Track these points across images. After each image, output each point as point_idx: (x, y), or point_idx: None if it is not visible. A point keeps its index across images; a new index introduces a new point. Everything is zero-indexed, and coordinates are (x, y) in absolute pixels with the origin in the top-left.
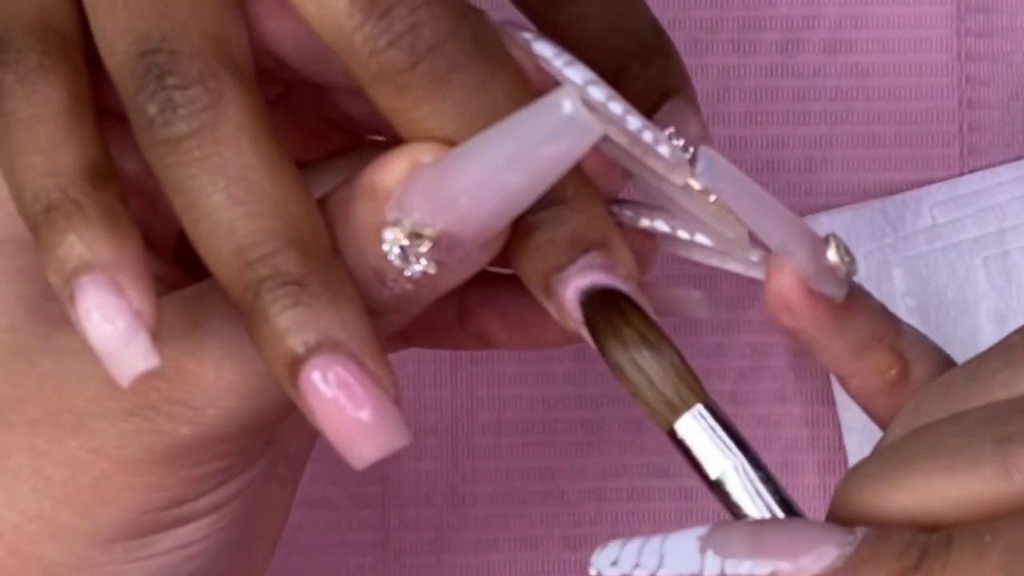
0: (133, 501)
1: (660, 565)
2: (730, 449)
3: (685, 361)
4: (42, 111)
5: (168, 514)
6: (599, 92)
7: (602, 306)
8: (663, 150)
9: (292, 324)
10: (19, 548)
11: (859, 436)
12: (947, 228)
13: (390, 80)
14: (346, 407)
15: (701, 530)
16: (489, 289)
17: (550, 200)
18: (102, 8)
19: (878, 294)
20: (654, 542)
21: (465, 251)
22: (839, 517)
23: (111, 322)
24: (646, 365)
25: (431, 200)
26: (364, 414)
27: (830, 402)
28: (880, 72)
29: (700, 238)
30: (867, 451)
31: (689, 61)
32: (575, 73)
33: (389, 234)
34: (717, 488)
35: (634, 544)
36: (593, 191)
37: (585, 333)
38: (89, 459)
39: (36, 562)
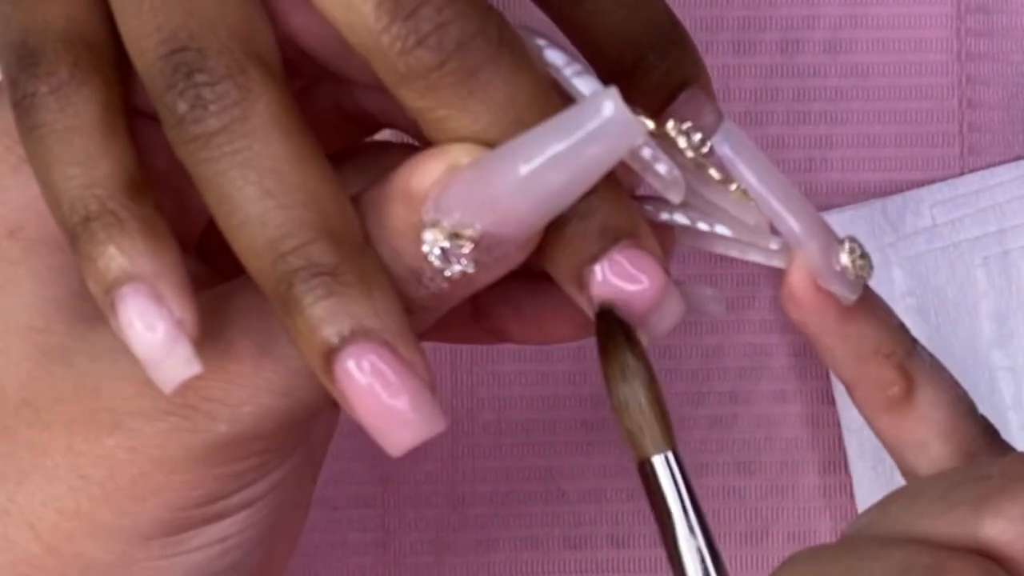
0: (170, 499)
1: None
2: (684, 509)
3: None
4: (76, 123)
5: (204, 510)
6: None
7: (611, 324)
8: (661, 168)
9: (326, 314)
10: (57, 546)
11: (859, 436)
12: (947, 228)
13: (419, 79)
14: (381, 395)
15: None
16: (504, 285)
17: None
18: (129, 10)
19: (878, 293)
20: None
21: (504, 251)
22: None
23: (153, 331)
24: (638, 395)
25: (472, 201)
26: (400, 401)
27: (830, 402)
28: (880, 72)
29: (720, 229)
30: (867, 452)
31: None
32: (584, 84)
33: (429, 235)
34: (665, 533)
35: None
36: (618, 182)
37: None
38: (126, 458)
39: (74, 559)
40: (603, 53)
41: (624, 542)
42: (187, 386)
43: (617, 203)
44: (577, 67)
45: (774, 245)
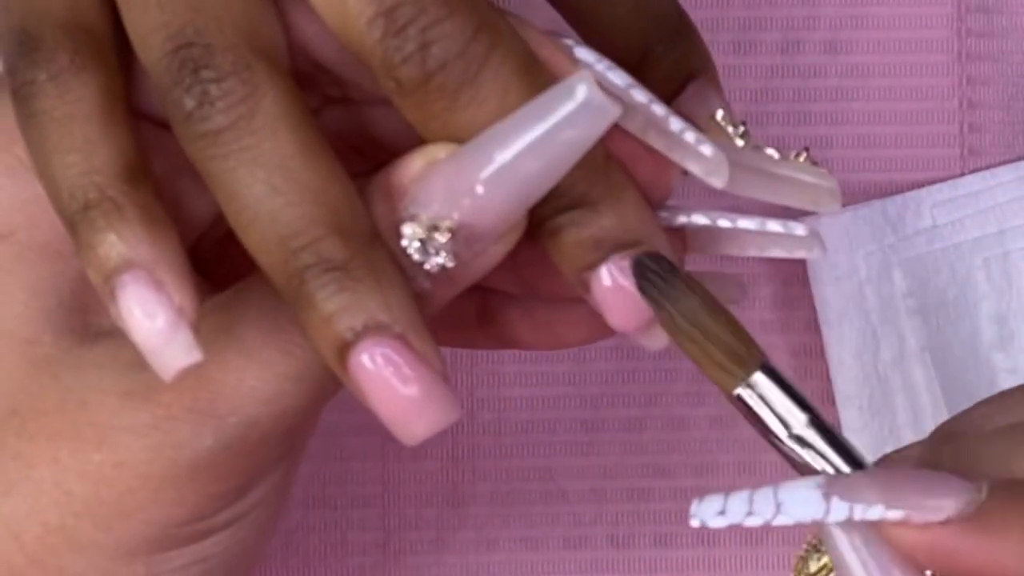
0: (156, 515)
1: (777, 512)
2: (803, 403)
3: (740, 323)
4: (76, 110)
5: (189, 528)
6: (641, 95)
7: (654, 276)
8: (706, 150)
9: (339, 309)
10: (41, 559)
11: (859, 437)
12: (947, 229)
13: (406, 94)
14: (396, 387)
15: (814, 480)
16: (516, 289)
17: (575, 202)
18: (135, 5)
19: (879, 295)
20: (766, 491)
21: (483, 244)
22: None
23: (153, 319)
24: (712, 328)
25: (448, 192)
26: (413, 392)
27: (830, 402)
28: (880, 73)
29: (743, 223)
30: (867, 452)
31: None
32: (617, 77)
33: (407, 229)
34: (794, 442)
35: (741, 495)
36: (627, 192)
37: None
38: (112, 474)
39: (56, 573)
40: (611, 45)
41: (624, 542)
42: (172, 399)
43: (617, 214)
44: (607, 63)
45: (801, 231)
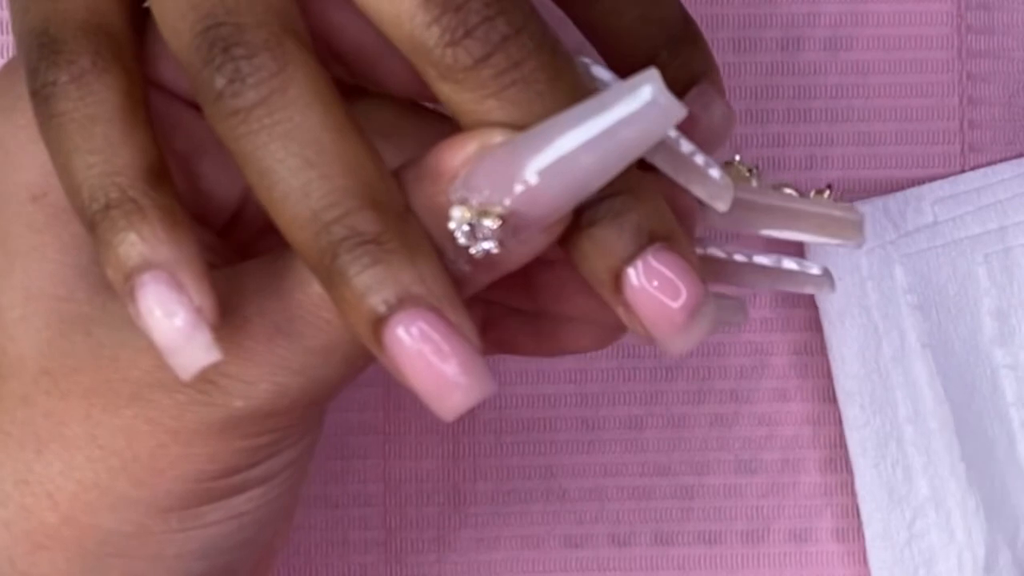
0: (188, 471)
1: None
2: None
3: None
4: (97, 112)
5: (222, 483)
6: None
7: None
8: (714, 173)
9: (373, 282)
10: (75, 516)
11: (861, 434)
12: (948, 225)
13: (463, 70)
14: (432, 360)
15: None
16: (520, 298)
17: (615, 190)
18: None
19: (880, 291)
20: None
21: (530, 233)
22: None
23: (173, 318)
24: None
25: (502, 178)
26: (450, 365)
27: (832, 399)
28: (881, 69)
29: (759, 259)
30: (869, 449)
31: None
32: None
33: (457, 212)
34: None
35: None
36: (656, 189)
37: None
38: (145, 429)
39: (91, 530)
40: (618, 50)
41: (625, 541)
42: None
43: (654, 204)
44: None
45: (816, 270)
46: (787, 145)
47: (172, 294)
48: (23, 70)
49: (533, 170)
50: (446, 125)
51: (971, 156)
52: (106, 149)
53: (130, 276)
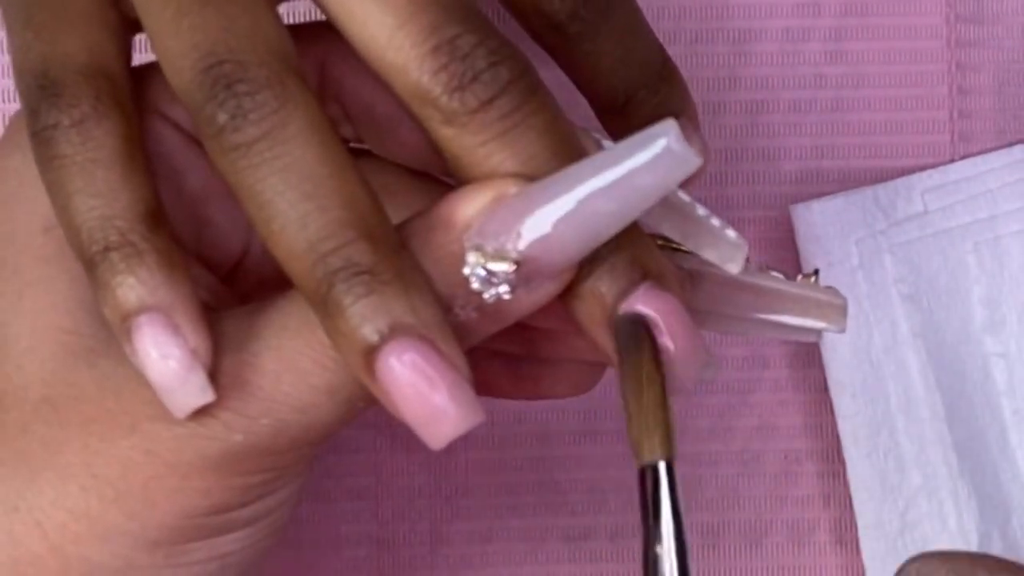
0: (181, 505)
1: None
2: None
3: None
4: (97, 156)
5: (212, 520)
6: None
7: (638, 331)
8: (731, 233)
9: (367, 312)
10: (63, 547)
11: (852, 423)
12: (939, 215)
13: (468, 114)
14: (422, 390)
15: None
16: (511, 340)
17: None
18: (166, 31)
19: (871, 281)
20: None
21: (541, 280)
22: None
23: (168, 360)
24: (649, 402)
25: (517, 226)
26: (440, 395)
27: (829, 411)
28: (871, 60)
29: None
30: (861, 439)
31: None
32: None
33: (472, 257)
34: (652, 538)
35: None
36: (645, 233)
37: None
38: (141, 460)
39: (77, 562)
40: (598, 91)
41: (619, 532)
42: None
43: (645, 244)
44: None
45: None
46: (778, 135)
47: (167, 336)
48: (23, 108)
49: (550, 218)
50: (443, 188)
51: (961, 145)
52: (107, 193)
53: (127, 318)
